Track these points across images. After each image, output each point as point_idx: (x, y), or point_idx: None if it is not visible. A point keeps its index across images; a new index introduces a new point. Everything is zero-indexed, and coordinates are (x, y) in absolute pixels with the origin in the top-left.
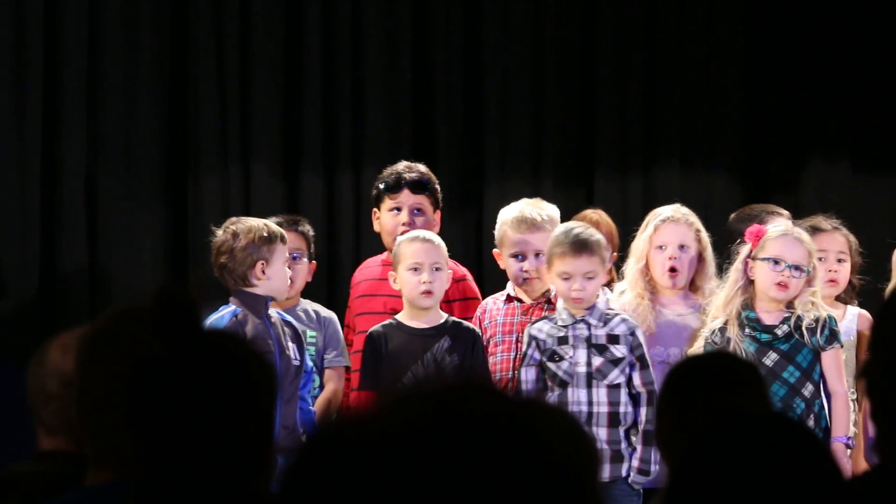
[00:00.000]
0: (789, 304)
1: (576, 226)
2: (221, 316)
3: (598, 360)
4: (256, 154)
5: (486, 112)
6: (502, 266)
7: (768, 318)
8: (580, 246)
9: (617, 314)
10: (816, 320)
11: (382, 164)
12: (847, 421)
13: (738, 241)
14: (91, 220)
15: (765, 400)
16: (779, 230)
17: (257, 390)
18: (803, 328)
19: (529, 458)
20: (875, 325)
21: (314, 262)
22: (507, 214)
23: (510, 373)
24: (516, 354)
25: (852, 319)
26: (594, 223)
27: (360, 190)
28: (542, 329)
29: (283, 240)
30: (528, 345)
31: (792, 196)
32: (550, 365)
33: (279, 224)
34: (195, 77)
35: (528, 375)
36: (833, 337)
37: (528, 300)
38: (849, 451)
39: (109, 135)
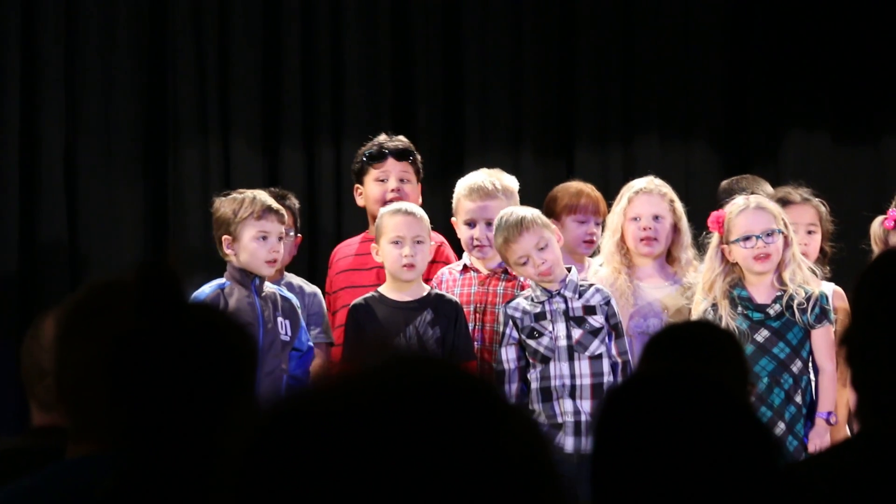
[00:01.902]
0: (781, 281)
1: (502, 213)
2: (208, 287)
3: (577, 333)
4: (236, 128)
5: (465, 84)
6: (459, 235)
7: (760, 297)
8: (515, 226)
9: (591, 285)
10: (808, 298)
11: (363, 138)
12: (831, 397)
13: (705, 232)
14: (70, 195)
15: (744, 368)
16: (737, 207)
17: (240, 362)
18: (794, 307)
19: (482, 435)
20: (855, 293)
21: (300, 235)
22: (463, 183)
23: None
24: (475, 325)
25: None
26: (579, 191)
27: (340, 163)
28: (519, 307)
29: (259, 216)
30: (506, 324)
31: (771, 166)
32: (530, 342)
33: None
34: (174, 50)
35: (508, 354)
36: (823, 315)
37: (484, 270)
38: (830, 426)
39: (88, 109)
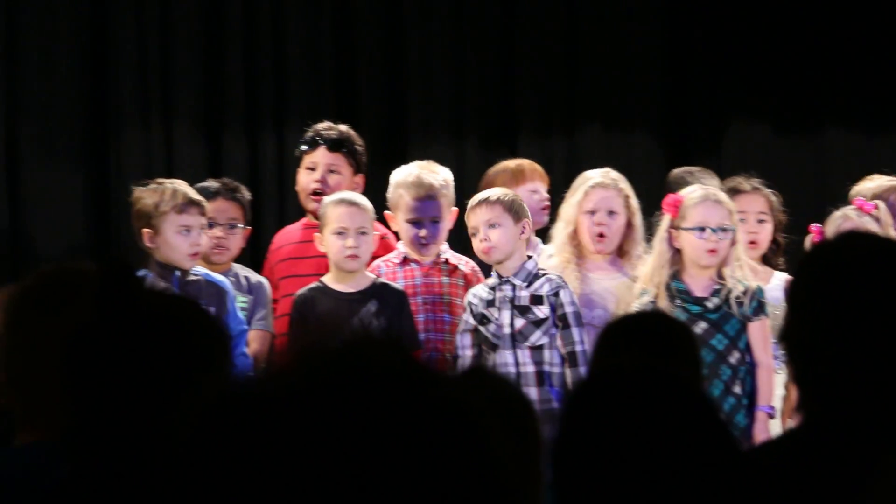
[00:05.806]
0: (720, 275)
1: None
2: None
3: (520, 322)
4: (178, 114)
5: (408, 72)
6: (395, 228)
7: (698, 290)
8: (479, 199)
9: (545, 274)
10: (745, 292)
11: (305, 125)
12: (770, 391)
13: (656, 213)
14: (12, 181)
15: (697, 359)
16: (696, 196)
17: (201, 352)
18: (731, 299)
19: (424, 414)
20: (791, 290)
21: (249, 227)
22: (403, 178)
23: (423, 334)
24: (427, 315)
25: (778, 286)
26: (518, 164)
27: (282, 151)
28: (476, 294)
29: (180, 209)
30: (466, 310)
31: (714, 158)
32: (481, 328)
33: (216, 190)
34: (115, 35)
35: (462, 341)
36: (760, 308)
37: (424, 261)
38: (771, 419)
39: (29, 94)
